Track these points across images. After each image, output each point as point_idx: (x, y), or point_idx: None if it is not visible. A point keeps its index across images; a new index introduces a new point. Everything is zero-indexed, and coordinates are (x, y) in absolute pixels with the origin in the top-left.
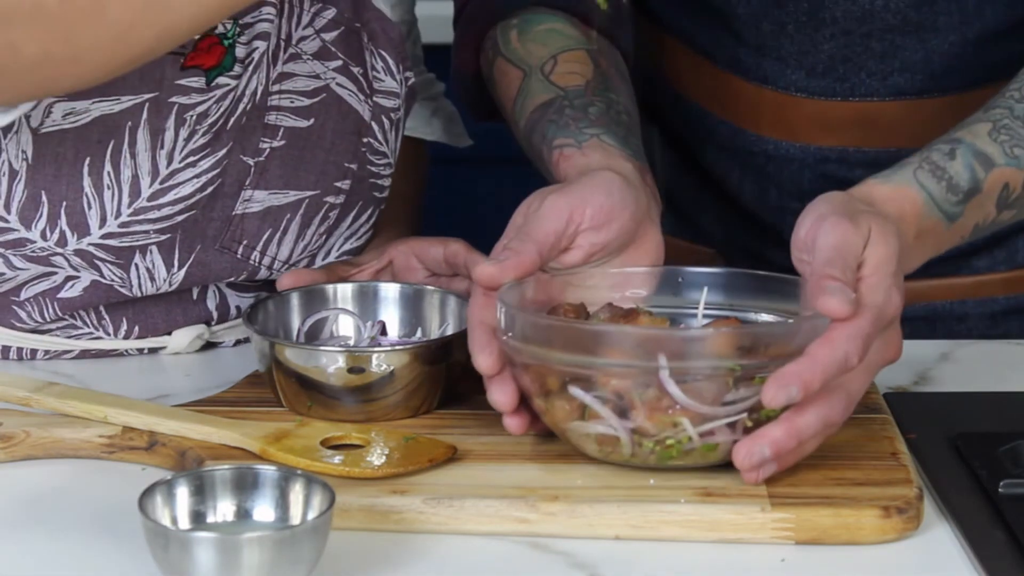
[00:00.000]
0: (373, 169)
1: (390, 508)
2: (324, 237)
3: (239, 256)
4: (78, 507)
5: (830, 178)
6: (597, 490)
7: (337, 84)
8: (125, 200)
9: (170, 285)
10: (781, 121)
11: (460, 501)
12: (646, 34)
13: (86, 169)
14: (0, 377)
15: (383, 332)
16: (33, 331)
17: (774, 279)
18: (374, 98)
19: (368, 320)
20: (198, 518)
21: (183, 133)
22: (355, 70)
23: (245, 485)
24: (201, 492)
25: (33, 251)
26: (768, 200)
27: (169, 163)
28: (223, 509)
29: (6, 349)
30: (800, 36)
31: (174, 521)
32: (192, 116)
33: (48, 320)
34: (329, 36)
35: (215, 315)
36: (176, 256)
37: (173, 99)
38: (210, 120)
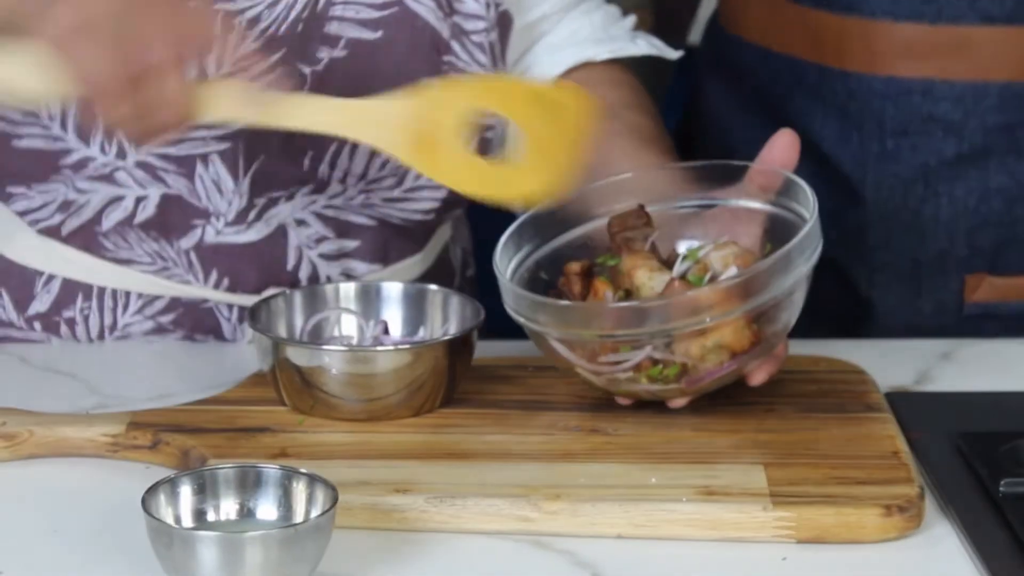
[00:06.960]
0: None
1: (393, 507)
2: None
3: (305, 169)
4: (82, 506)
5: (914, 113)
6: (599, 489)
7: None
8: None
9: (240, 198)
10: (867, 51)
11: (463, 500)
12: None
13: None
14: None
15: (385, 331)
16: (124, 262)
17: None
18: (453, 18)
19: (371, 320)
20: (201, 517)
21: (232, 39)
22: None
23: (248, 484)
24: (204, 491)
25: (96, 169)
26: (849, 145)
27: (219, 68)
28: (226, 508)
29: (101, 292)
30: None
31: (177, 520)
32: (241, 22)
33: (133, 246)
34: None
35: (305, 284)
36: (240, 165)
37: (217, 4)
38: (261, 26)
